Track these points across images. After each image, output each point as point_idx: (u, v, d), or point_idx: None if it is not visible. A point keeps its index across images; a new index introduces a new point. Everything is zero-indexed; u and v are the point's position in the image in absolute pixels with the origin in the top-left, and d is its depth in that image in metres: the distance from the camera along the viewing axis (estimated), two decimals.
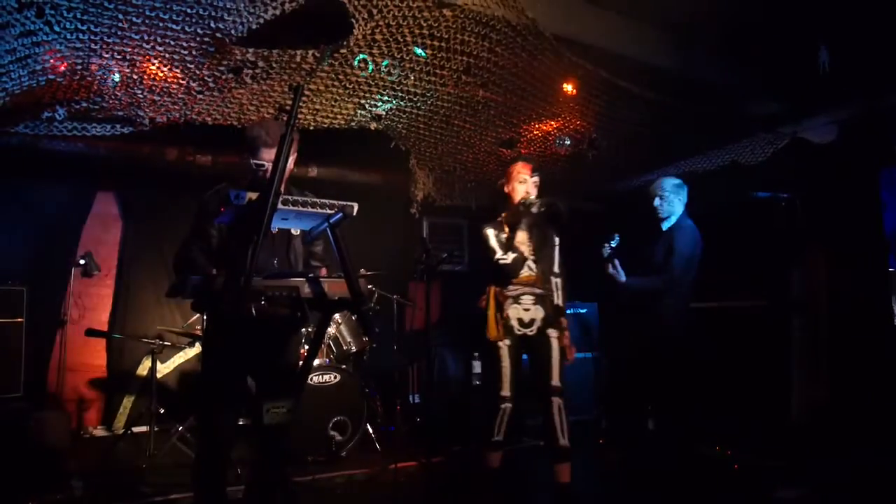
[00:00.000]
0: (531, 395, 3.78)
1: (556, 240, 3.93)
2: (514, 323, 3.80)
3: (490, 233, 3.90)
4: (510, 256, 3.80)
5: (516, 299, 3.83)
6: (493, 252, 3.85)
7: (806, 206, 5.12)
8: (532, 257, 3.86)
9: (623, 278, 4.57)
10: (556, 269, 3.91)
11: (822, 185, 5.16)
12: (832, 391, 4.73)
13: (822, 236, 5.09)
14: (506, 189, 3.95)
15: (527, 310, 3.81)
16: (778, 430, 4.66)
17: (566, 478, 3.63)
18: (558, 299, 3.89)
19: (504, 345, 3.77)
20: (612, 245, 4.56)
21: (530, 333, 3.79)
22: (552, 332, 3.80)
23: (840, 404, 4.63)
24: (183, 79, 4.00)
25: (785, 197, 5.20)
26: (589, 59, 4.22)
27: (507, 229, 3.89)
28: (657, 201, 4.55)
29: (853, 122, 4.88)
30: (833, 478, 3.94)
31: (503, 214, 3.96)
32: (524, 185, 3.88)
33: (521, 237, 3.84)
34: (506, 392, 3.71)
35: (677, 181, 4.59)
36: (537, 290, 3.85)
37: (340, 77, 4.20)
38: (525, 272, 3.86)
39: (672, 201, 4.53)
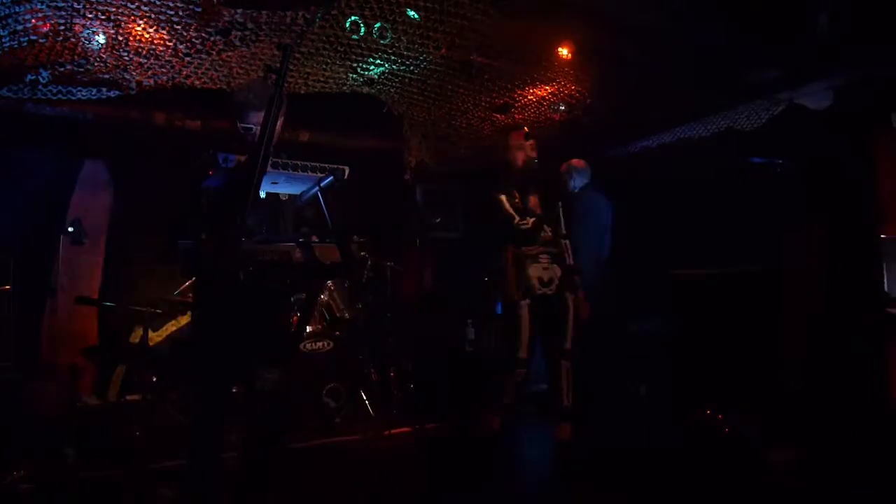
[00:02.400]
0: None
1: (559, 203, 4.11)
2: (535, 283, 3.91)
3: (503, 198, 4.01)
4: (530, 220, 3.93)
5: (535, 258, 3.94)
6: (512, 217, 3.95)
7: (801, 173, 5.09)
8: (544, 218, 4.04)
9: None
10: (563, 230, 4.08)
11: (817, 152, 5.13)
12: (825, 357, 4.75)
13: (817, 202, 5.07)
14: (507, 157, 4.15)
15: (546, 269, 3.94)
16: (770, 396, 4.68)
17: (567, 435, 3.89)
18: (570, 259, 4.06)
19: (525, 304, 3.90)
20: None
21: (549, 293, 3.92)
22: (569, 294, 3.97)
23: (833, 369, 4.65)
24: (170, 41, 3.91)
25: (780, 163, 5.17)
26: (582, 20, 4.15)
27: (516, 194, 4.03)
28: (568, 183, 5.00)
29: (849, 89, 4.84)
30: (825, 441, 3.97)
31: (507, 180, 4.10)
32: (522, 150, 4.07)
33: (534, 200, 4.01)
34: (524, 354, 3.85)
35: (578, 162, 5.09)
36: (552, 250, 3.99)
37: (332, 40, 4.11)
38: (542, 233, 4.02)
39: (575, 179, 4.99)
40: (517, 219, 3.95)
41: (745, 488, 3.44)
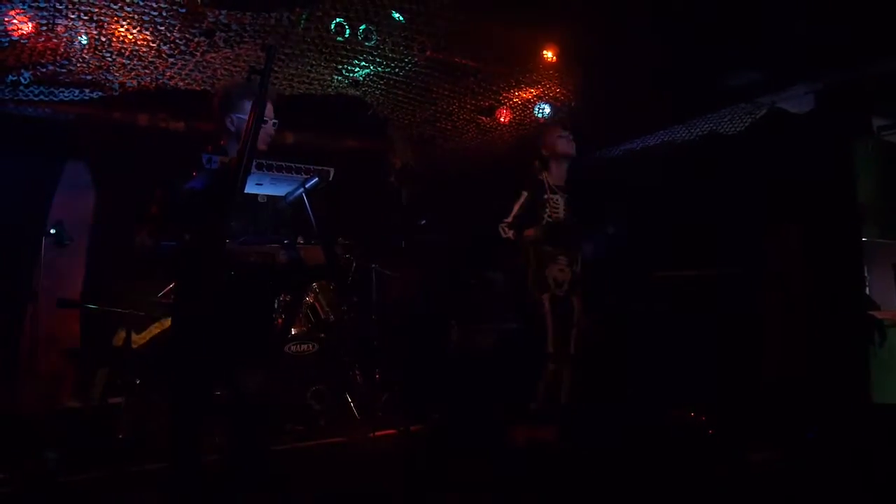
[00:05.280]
0: None
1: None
2: (551, 282, 3.81)
3: (525, 194, 3.89)
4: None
5: (553, 258, 3.84)
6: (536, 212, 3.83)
7: (781, 175, 5.14)
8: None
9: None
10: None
11: (798, 154, 5.18)
12: (806, 359, 4.79)
13: (798, 205, 5.12)
14: (544, 152, 4.00)
15: (562, 270, 3.84)
16: (752, 397, 4.71)
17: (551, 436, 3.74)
18: (579, 263, 3.95)
19: (546, 299, 3.78)
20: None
21: (559, 294, 3.82)
22: (576, 300, 3.86)
23: (814, 370, 4.70)
24: (153, 42, 3.89)
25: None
26: (565, 24, 4.18)
27: (548, 189, 3.91)
28: None
29: (831, 93, 4.90)
30: (804, 442, 4.01)
31: (544, 174, 3.97)
32: (564, 139, 3.97)
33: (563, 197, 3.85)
34: (550, 348, 3.70)
35: None
36: (571, 251, 3.88)
37: (317, 42, 4.11)
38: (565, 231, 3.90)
39: None
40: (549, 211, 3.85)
41: (727, 488, 3.47)
